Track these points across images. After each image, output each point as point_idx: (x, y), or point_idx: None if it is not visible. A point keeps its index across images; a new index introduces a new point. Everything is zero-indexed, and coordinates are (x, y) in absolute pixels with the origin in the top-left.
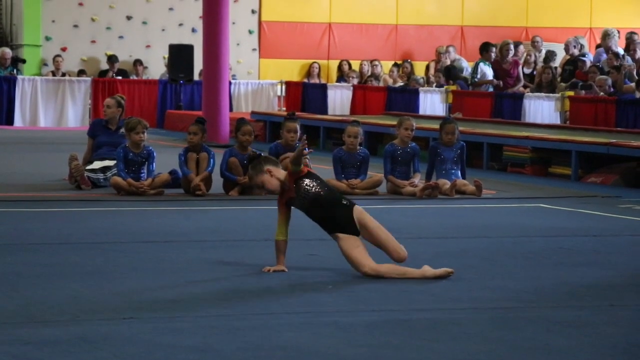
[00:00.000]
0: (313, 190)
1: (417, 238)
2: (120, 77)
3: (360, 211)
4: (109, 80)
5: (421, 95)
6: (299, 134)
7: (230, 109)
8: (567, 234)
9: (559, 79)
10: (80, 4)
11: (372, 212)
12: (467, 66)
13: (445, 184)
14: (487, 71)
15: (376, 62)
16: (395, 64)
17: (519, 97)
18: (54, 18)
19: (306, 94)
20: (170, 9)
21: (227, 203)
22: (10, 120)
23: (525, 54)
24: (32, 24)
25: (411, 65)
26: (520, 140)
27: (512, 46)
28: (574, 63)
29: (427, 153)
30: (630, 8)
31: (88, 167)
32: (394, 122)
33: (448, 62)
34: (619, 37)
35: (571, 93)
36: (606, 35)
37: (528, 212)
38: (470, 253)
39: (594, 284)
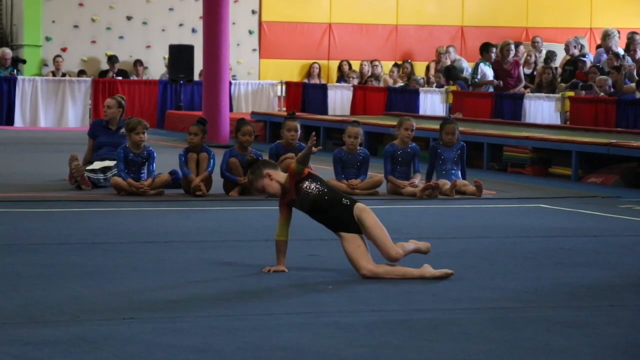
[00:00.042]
0: (313, 192)
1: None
2: (120, 78)
3: (360, 209)
4: (109, 81)
5: (421, 96)
6: (299, 133)
7: (231, 110)
8: (567, 234)
9: (559, 80)
10: (81, 5)
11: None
12: (467, 66)
13: (446, 184)
14: (488, 71)
15: (376, 63)
16: (396, 64)
17: (519, 98)
18: (54, 18)
19: (306, 95)
20: (171, 9)
21: (228, 203)
22: (10, 121)
23: (525, 55)
24: (32, 24)
25: (411, 66)
26: (521, 140)
27: (513, 46)
28: (574, 63)
29: (427, 153)
30: (631, 8)
31: (88, 168)
32: (394, 123)
33: (448, 63)
34: (619, 37)
35: (571, 93)
36: (606, 35)
37: (528, 213)
38: (471, 253)
39: (594, 284)
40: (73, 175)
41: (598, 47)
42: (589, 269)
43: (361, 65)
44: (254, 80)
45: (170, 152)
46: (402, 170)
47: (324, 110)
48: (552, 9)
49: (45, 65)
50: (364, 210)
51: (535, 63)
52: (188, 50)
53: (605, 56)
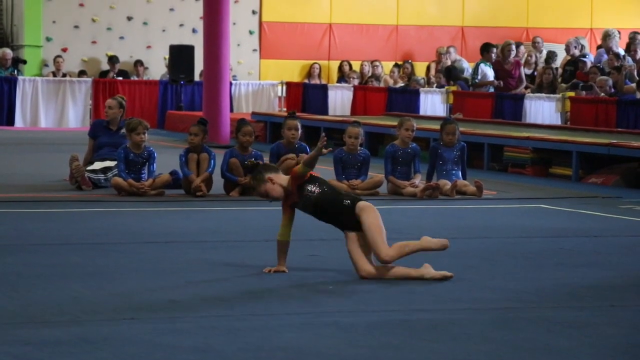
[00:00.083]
0: (315, 195)
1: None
2: (120, 78)
3: (361, 208)
4: (110, 81)
5: (422, 96)
6: (299, 132)
7: (231, 110)
8: (567, 235)
9: (559, 80)
10: (81, 5)
11: None
12: (467, 67)
13: (446, 184)
14: (488, 72)
15: (377, 63)
16: (396, 65)
17: (520, 98)
18: (55, 19)
19: (307, 95)
20: (171, 9)
21: (228, 204)
22: (11, 121)
23: (525, 55)
24: (32, 24)
25: (412, 66)
26: (521, 140)
27: (513, 47)
28: (574, 64)
29: (427, 154)
30: (631, 8)
31: (89, 168)
32: (395, 123)
33: (449, 63)
34: (619, 37)
35: (572, 94)
36: (607, 35)
37: (529, 213)
38: (471, 253)
39: (594, 285)
40: (73, 175)
41: (598, 47)
42: (590, 269)
43: (361, 65)
44: (255, 81)
45: (170, 153)
46: (403, 171)
47: (325, 111)
48: (553, 9)
49: (46, 65)
50: (364, 210)
51: (536, 63)
52: (188, 50)
53: (605, 56)
